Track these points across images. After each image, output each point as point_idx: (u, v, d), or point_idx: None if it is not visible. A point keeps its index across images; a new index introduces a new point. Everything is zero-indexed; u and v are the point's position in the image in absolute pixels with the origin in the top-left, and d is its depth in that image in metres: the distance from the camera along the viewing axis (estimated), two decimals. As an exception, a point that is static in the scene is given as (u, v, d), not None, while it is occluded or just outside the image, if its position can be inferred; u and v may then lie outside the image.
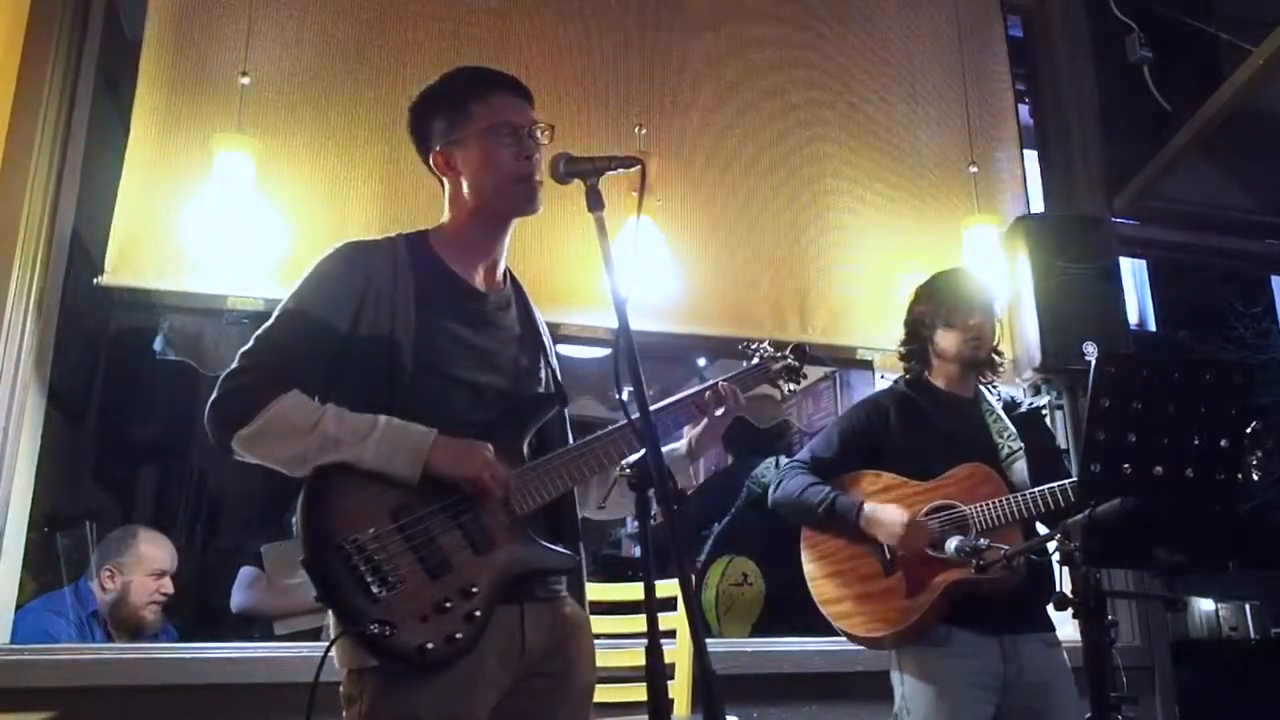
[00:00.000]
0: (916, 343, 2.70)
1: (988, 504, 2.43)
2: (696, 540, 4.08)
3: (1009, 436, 2.58)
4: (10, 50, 3.01)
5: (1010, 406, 2.68)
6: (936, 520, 2.46)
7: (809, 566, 2.60)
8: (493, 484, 1.64)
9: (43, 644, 2.87)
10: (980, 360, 2.63)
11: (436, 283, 1.80)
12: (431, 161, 1.87)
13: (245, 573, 3.54)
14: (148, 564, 3.19)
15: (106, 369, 3.86)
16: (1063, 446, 3.83)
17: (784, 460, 2.74)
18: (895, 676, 2.51)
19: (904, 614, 2.42)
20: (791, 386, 2.22)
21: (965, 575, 2.35)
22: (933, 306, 2.66)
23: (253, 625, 3.47)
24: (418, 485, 1.61)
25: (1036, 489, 2.41)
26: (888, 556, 2.48)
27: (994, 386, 2.73)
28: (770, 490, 2.68)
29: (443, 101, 1.87)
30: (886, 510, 2.46)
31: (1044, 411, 2.78)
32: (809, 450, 2.69)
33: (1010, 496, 2.43)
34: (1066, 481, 2.39)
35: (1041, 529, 2.51)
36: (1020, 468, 2.53)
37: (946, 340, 2.62)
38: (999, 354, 2.67)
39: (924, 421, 2.61)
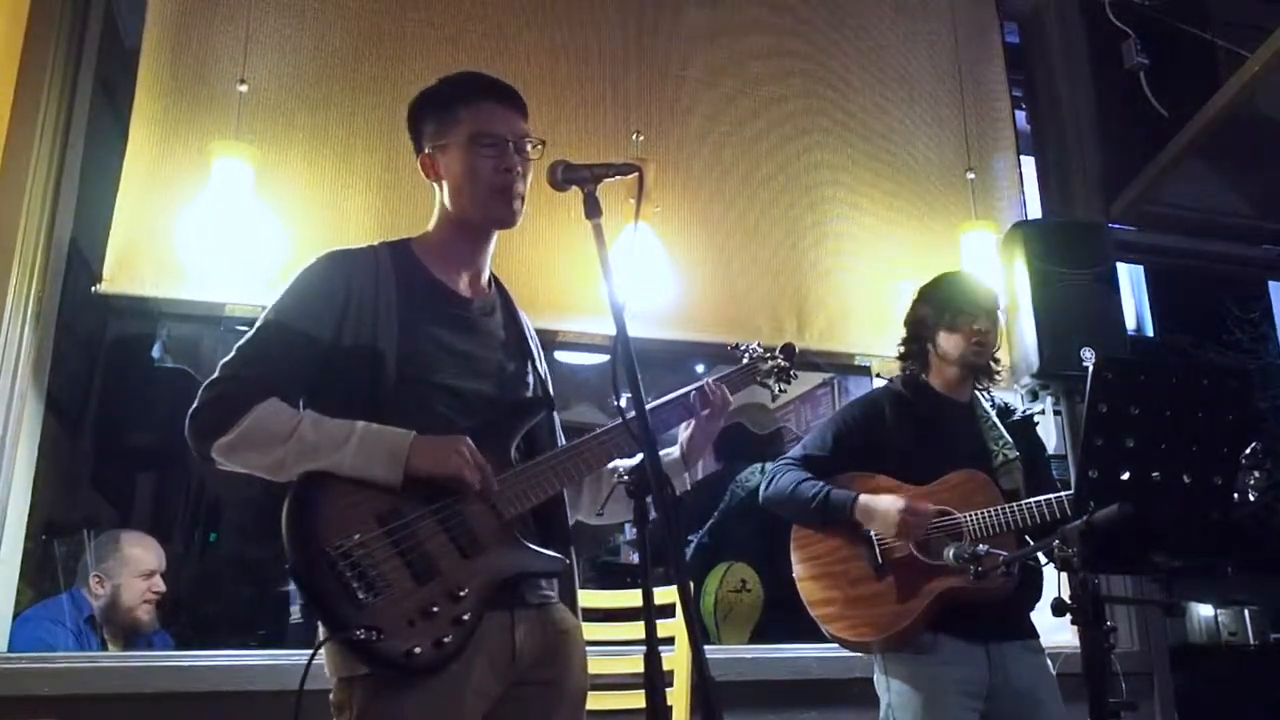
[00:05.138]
0: (917, 344, 2.68)
1: (983, 512, 2.42)
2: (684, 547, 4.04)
3: (1004, 444, 2.57)
4: (9, 57, 3.01)
5: (1004, 413, 2.68)
6: (933, 525, 2.46)
7: (798, 567, 2.59)
8: (471, 476, 1.63)
9: (40, 652, 2.86)
10: (981, 365, 2.62)
11: (419, 289, 1.81)
12: (420, 164, 1.88)
13: None
14: (134, 566, 3.18)
15: (104, 376, 3.85)
16: (1061, 452, 3.84)
17: (771, 463, 2.71)
18: (880, 682, 2.49)
19: (894, 619, 2.41)
20: (782, 387, 2.21)
21: (961, 583, 2.34)
22: (936, 309, 2.63)
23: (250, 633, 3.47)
24: (405, 489, 1.61)
25: (1033, 500, 2.40)
26: (879, 560, 2.46)
27: (989, 392, 2.72)
28: (761, 487, 2.65)
29: (433, 104, 1.88)
30: (882, 499, 2.44)
31: (1036, 420, 2.77)
32: (801, 448, 2.66)
33: (1006, 506, 2.41)
34: (1064, 494, 2.37)
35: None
36: (1016, 476, 2.53)
37: (949, 343, 2.60)
38: (997, 360, 2.66)
39: (919, 424, 2.60)
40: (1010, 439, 2.59)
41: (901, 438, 2.58)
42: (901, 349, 2.73)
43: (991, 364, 2.64)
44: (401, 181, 3.22)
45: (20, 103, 3.02)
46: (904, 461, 2.54)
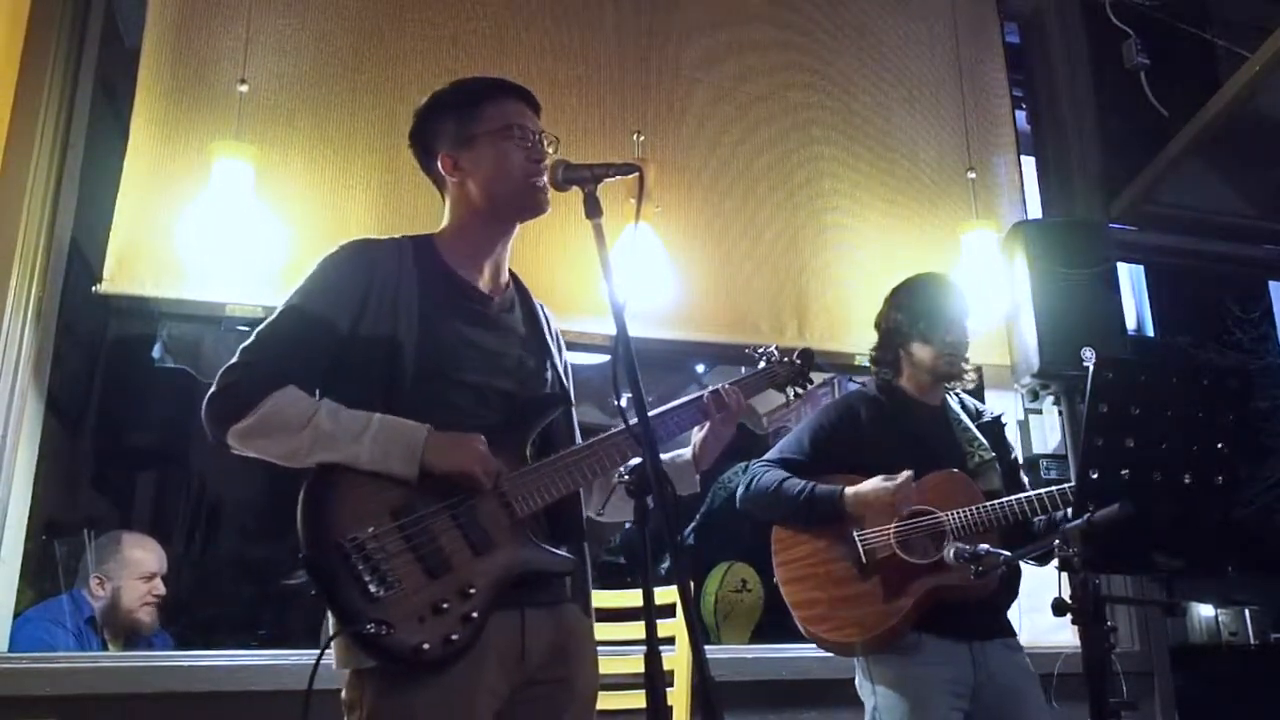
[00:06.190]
0: (890, 350, 2.69)
1: (964, 511, 2.43)
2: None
3: (978, 446, 2.58)
4: (9, 58, 3.01)
5: (974, 415, 2.69)
6: (916, 525, 2.45)
7: (780, 570, 2.58)
8: (481, 476, 1.64)
9: (40, 652, 2.86)
10: (954, 373, 2.64)
11: (441, 284, 1.81)
12: (439, 164, 1.86)
13: None
14: (135, 568, 3.17)
15: (104, 376, 3.86)
16: (1061, 452, 3.85)
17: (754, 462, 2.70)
18: (864, 685, 2.49)
19: (880, 619, 2.41)
20: (798, 391, 2.22)
21: (947, 581, 2.35)
22: (910, 317, 2.64)
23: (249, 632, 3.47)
24: (420, 484, 1.61)
25: (1013, 497, 2.42)
26: (864, 561, 2.46)
27: (958, 395, 2.73)
28: (740, 489, 2.63)
29: (454, 104, 1.87)
30: (867, 485, 2.44)
31: (1004, 422, 2.78)
32: (777, 451, 2.65)
33: (986, 504, 2.42)
34: (1042, 491, 2.40)
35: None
36: (993, 477, 2.54)
37: (923, 353, 2.62)
38: (968, 360, 2.67)
39: (895, 426, 2.60)
40: (985, 441, 2.60)
41: (878, 440, 2.58)
42: (874, 353, 2.74)
43: (963, 366, 2.65)
44: (401, 181, 3.22)
45: (20, 103, 3.02)
46: (881, 464, 2.52)
